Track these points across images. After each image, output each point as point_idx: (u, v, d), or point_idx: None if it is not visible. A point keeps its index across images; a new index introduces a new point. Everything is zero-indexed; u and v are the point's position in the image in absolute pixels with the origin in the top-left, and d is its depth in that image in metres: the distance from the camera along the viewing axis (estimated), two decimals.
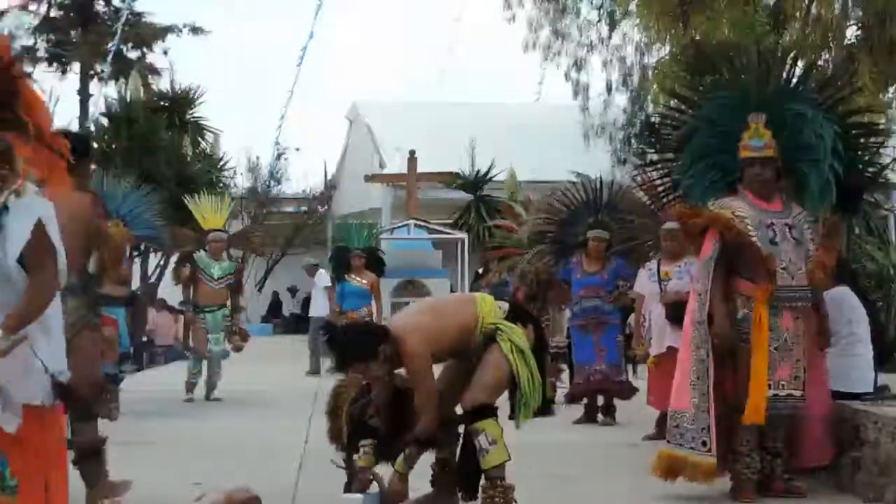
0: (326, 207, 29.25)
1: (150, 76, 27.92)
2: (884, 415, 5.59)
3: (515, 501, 5.07)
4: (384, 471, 5.24)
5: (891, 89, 15.35)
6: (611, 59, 21.74)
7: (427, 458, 5.34)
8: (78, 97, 30.42)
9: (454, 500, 5.30)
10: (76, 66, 31.64)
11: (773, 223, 5.65)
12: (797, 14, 14.61)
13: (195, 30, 31.56)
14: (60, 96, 9.01)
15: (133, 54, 31.19)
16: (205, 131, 21.61)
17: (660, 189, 6.85)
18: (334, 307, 12.02)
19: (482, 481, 5.06)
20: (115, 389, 9.61)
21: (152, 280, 20.30)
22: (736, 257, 5.67)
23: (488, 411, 5.04)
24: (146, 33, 31.09)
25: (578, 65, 21.93)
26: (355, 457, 5.26)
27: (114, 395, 9.51)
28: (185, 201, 11.86)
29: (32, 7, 31.51)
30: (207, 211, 11.46)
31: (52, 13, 31.91)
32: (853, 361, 6.25)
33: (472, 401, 5.06)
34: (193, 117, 21.22)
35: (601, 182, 9.64)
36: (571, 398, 9.35)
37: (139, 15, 30.49)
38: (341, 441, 5.37)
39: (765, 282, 5.57)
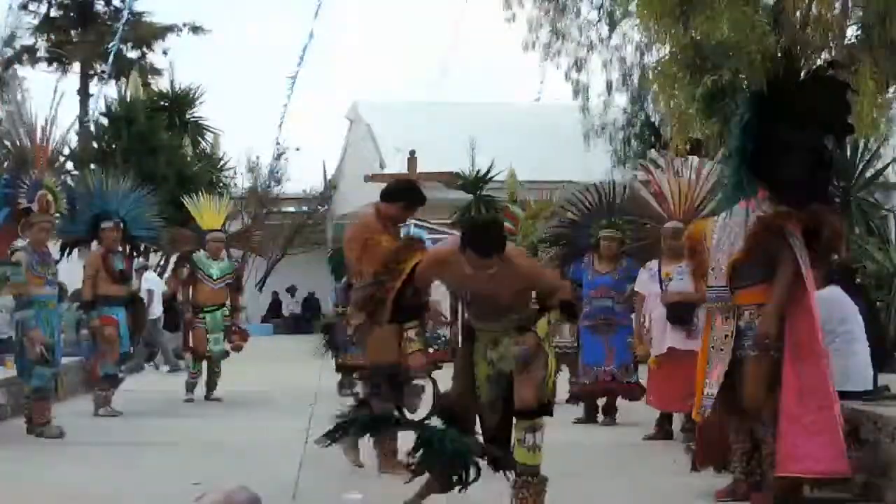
0: (326, 207, 29.25)
1: (150, 76, 27.94)
2: (884, 415, 5.59)
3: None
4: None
5: (891, 89, 15.35)
6: (611, 59, 21.74)
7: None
8: (78, 97, 30.41)
9: (449, 486, 5.23)
10: (76, 66, 31.64)
11: (743, 223, 5.64)
12: (797, 14, 14.61)
13: (195, 29, 31.55)
14: (60, 95, 8.95)
15: (133, 54, 31.19)
16: (205, 131, 21.62)
17: None
18: (334, 307, 12.01)
19: (520, 477, 5.03)
20: (112, 390, 9.64)
21: None
22: None
23: (547, 409, 5.06)
24: (146, 33, 31.08)
25: (578, 65, 21.92)
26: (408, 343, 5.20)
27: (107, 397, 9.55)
28: (184, 201, 11.86)
29: (32, 7, 31.52)
30: (206, 211, 11.46)
31: (52, 13, 31.89)
32: (850, 360, 6.26)
33: (535, 398, 5.01)
34: (193, 117, 21.23)
35: (613, 184, 9.65)
36: (577, 398, 9.34)
37: (139, 15, 30.48)
38: (382, 319, 5.20)
39: None
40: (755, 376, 5.51)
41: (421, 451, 5.04)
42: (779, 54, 6.14)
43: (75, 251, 10.14)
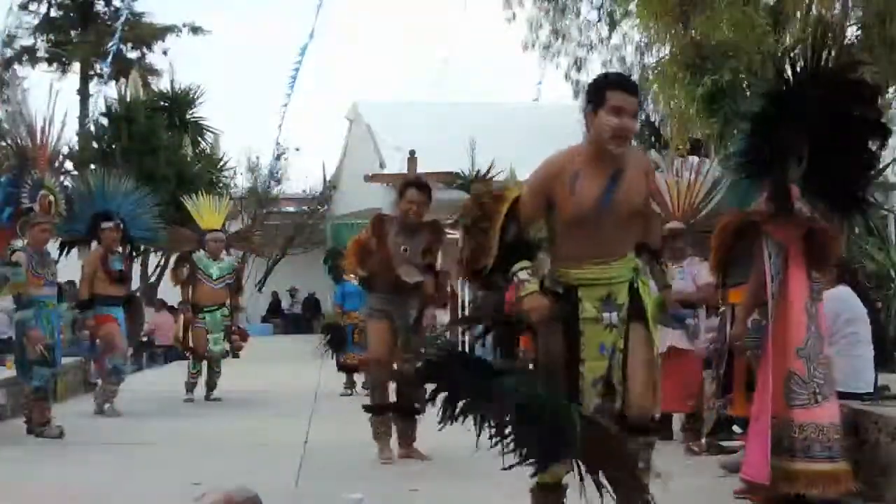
0: (326, 207, 29.26)
1: (149, 76, 27.96)
2: (884, 415, 5.59)
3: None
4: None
5: (891, 89, 15.35)
6: (611, 59, 21.77)
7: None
8: (78, 97, 30.42)
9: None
10: (76, 66, 31.65)
11: None
12: (797, 14, 14.62)
13: (195, 30, 31.57)
14: (60, 95, 8.93)
15: (133, 54, 31.20)
16: (205, 131, 21.65)
17: None
18: (335, 307, 12.03)
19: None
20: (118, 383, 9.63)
21: (152, 280, 20.32)
22: None
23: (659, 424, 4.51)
24: (146, 33, 31.10)
25: (578, 65, 21.95)
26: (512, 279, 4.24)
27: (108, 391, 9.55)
28: (184, 201, 11.86)
29: (32, 7, 31.52)
30: (206, 211, 11.46)
31: (52, 13, 31.90)
32: (853, 361, 6.25)
33: (655, 404, 4.32)
34: (193, 117, 21.26)
35: None
36: None
37: (139, 15, 30.49)
38: (485, 260, 4.28)
39: None
40: (736, 376, 5.59)
41: (515, 418, 4.03)
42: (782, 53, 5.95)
43: (74, 251, 10.14)
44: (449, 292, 7.26)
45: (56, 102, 8.44)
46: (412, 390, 6.66)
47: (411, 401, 6.74)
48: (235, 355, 11.27)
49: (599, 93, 4.17)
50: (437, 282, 6.85)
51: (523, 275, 4.18)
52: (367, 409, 6.90)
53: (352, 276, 11.78)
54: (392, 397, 6.91)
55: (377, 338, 6.82)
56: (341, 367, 11.56)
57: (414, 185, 6.79)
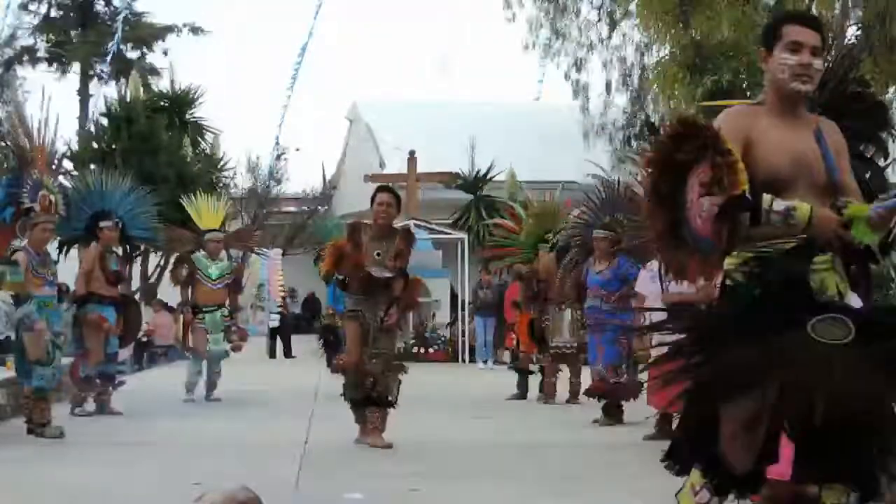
0: (326, 207, 29.27)
1: (150, 76, 27.98)
2: None
3: None
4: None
5: (891, 89, 15.36)
6: (611, 59, 21.78)
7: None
8: (78, 97, 30.44)
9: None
10: (76, 66, 31.67)
11: None
12: None
13: (195, 30, 31.61)
14: (59, 96, 8.93)
15: (133, 54, 31.22)
16: (205, 131, 21.66)
17: None
18: (327, 309, 12.02)
19: None
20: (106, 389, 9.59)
21: (152, 280, 20.33)
22: None
23: None
24: (146, 33, 31.13)
25: (578, 65, 21.97)
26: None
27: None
28: (183, 201, 11.85)
29: (32, 7, 31.54)
30: (204, 211, 11.45)
31: (52, 13, 31.94)
32: None
33: None
34: (193, 117, 21.26)
35: (619, 181, 9.74)
36: (588, 395, 9.41)
37: (139, 15, 30.52)
38: (738, 187, 3.15)
39: None
40: None
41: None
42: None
43: (74, 250, 10.12)
44: (416, 296, 7.90)
45: (49, 103, 8.43)
46: (385, 385, 7.34)
47: (385, 394, 7.35)
48: (236, 349, 11.26)
49: (774, 29, 3.64)
50: (405, 284, 7.42)
51: (778, 205, 3.30)
52: (347, 398, 7.57)
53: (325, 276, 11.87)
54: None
55: (350, 339, 7.48)
56: (334, 368, 11.56)
57: (383, 190, 7.61)
